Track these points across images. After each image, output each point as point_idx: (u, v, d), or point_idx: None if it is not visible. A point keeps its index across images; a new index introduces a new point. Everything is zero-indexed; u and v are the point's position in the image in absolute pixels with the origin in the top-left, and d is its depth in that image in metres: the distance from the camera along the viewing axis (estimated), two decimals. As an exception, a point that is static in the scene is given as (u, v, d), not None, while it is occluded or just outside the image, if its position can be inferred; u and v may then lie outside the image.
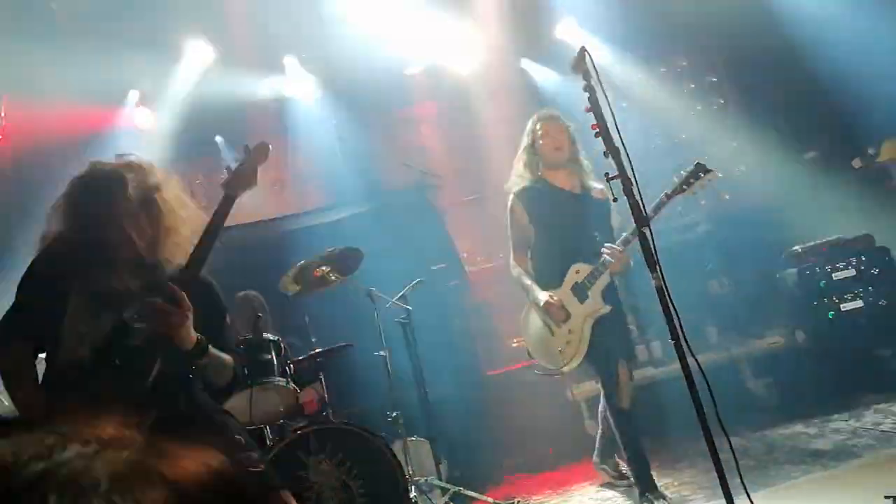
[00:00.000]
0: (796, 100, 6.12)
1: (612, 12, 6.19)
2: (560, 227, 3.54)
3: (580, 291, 3.44)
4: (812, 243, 4.98)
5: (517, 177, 3.68)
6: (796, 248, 5.03)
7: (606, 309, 3.43)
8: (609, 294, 3.50)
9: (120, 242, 2.07)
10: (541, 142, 3.59)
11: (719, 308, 5.33)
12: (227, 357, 2.20)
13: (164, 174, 2.21)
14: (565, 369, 3.49)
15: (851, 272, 4.68)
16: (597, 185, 3.61)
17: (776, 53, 5.92)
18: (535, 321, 3.57)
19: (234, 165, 2.25)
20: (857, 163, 5.89)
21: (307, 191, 6.74)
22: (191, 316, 2.00)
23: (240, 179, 2.22)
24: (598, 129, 2.48)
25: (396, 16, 6.05)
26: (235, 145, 6.77)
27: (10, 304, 2.11)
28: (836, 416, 4.15)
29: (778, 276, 5.09)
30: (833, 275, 4.69)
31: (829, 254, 4.81)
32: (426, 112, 7.28)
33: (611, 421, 3.47)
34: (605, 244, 3.39)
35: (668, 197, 3.23)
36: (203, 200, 6.38)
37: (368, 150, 6.51)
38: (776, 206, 5.97)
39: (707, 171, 3.24)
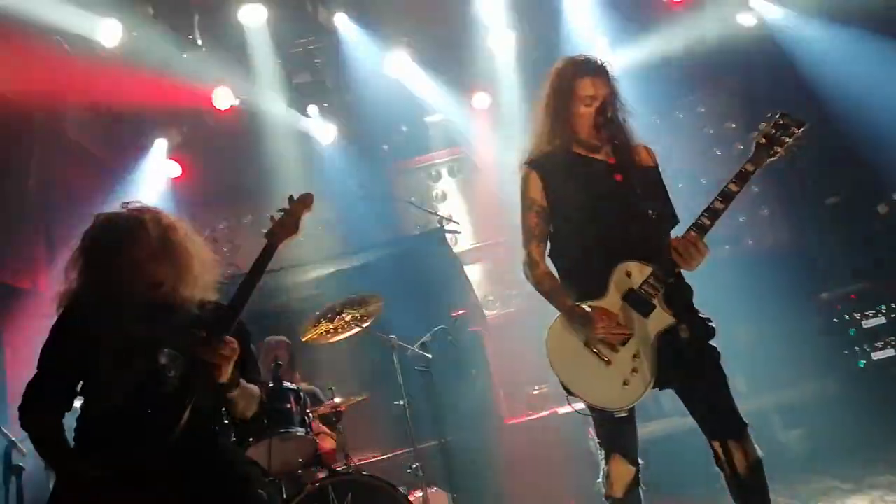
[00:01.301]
0: (817, 145, 6.09)
1: (628, 57, 6.27)
2: (596, 211, 2.53)
3: (639, 302, 2.42)
4: (840, 290, 4.89)
5: (535, 139, 2.68)
6: (824, 295, 4.93)
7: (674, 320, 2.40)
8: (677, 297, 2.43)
9: (143, 286, 2.09)
10: (581, 109, 2.54)
11: (747, 356, 5.20)
12: (254, 388, 2.24)
13: (174, 216, 2.25)
14: (633, 405, 2.47)
15: (882, 320, 4.58)
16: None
17: (794, 98, 5.93)
18: (573, 344, 2.49)
19: (277, 215, 2.27)
20: (882, 208, 5.81)
21: (328, 237, 6.79)
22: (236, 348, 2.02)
23: (283, 229, 2.24)
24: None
25: (416, 68, 6.19)
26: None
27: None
28: (871, 469, 4.01)
29: (806, 323, 4.99)
30: (863, 323, 4.60)
31: (859, 301, 4.72)
32: (445, 158, 7.35)
33: None
34: (676, 239, 2.35)
35: (755, 164, 2.39)
36: (225, 245, 6.47)
37: (388, 197, 6.57)
38: (801, 252, 5.89)
39: (800, 124, 2.43)
